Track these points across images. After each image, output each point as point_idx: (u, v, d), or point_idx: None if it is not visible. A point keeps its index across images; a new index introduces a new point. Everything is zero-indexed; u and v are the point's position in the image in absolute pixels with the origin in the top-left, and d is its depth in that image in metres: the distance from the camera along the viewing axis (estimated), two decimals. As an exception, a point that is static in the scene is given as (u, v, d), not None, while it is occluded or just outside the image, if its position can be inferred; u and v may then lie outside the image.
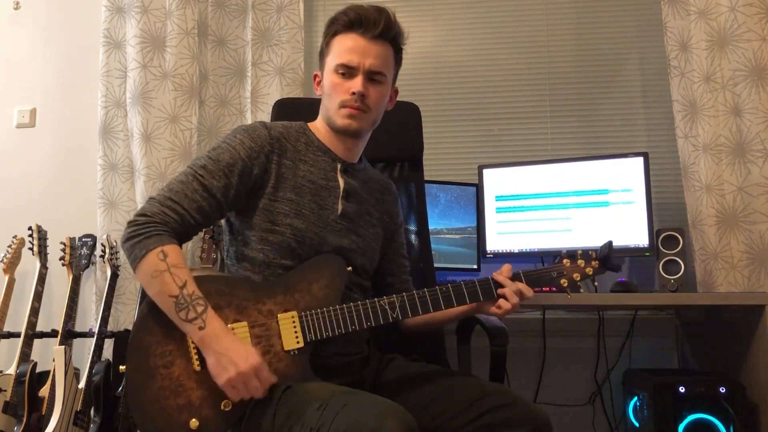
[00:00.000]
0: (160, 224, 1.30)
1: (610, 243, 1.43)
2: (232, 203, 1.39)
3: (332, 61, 1.44)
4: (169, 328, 1.27)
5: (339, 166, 1.48)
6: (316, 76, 1.53)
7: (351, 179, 1.49)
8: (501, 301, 1.39)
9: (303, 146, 1.47)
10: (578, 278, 1.44)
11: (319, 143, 1.49)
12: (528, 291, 1.39)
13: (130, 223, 1.31)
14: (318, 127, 1.52)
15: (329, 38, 1.46)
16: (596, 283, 1.49)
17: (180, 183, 1.35)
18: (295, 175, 1.43)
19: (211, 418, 1.24)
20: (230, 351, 1.23)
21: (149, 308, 1.29)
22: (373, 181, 1.58)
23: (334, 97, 1.44)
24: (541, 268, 1.44)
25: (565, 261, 1.45)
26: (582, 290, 1.49)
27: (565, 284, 1.44)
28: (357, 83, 1.41)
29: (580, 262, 1.45)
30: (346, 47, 1.42)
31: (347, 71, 1.42)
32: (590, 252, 1.47)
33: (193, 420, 1.23)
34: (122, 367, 1.26)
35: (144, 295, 1.32)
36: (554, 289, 1.47)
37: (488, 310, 1.42)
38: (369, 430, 1.06)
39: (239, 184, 1.38)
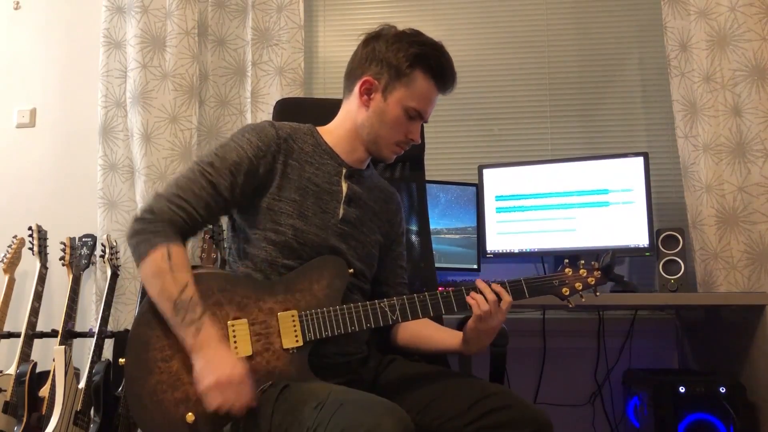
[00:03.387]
0: (167, 222, 1.30)
1: (613, 252, 1.41)
2: (238, 201, 1.40)
3: (408, 97, 1.42)
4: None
5: (344, 171, 1.48)
6: (369, 82, 1.43)
7: (355, 185, 1.49)
8: (474, 308, 1.36)
9: (310, 148, 1.47)
10: (580, 288, 1.42)
11: (326, 147, 1.48)
12: (506, 297, 1.37)
13: (137, 220, 1.31)
14: (332, 132, 1.50)
15: (413, 67, 1.41)
16: (598, 294, 1.48)
17: (187, 179, 1.35)
18: (300, 177, 1.43)
19: (207, 414, 1.24)
20: (216, 359, 1.23)
21: (151, 303, 1.30)
22: (378, 189, 1.57)
23: (393, 133, 1.45)
24: (542, 276, 1.42)
25: (567, 270, 1.43)
26: (583, 299, 1.47)
27: (567, 293, 1.42)
28: (417, 133, 1.47)
29: (583, 272, 1.43)
30: (426, 94, 1.44)
31: (416, 116, 1.45)
32: (593, 262, 1.45)
33: (190, 414, 1.23)
34: (122, 360, 1.27)
35: (144, 295, 1.33)
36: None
37: (470, 334, 1.40)
38: (365, 429, 1.05)
39: (245, 183, 1.38)
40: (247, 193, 1.40)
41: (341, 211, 1.45)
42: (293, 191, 1.41)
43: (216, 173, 1.35)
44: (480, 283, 1.38)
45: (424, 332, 1.53)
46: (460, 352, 1.46)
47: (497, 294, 1.36)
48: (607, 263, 1.42)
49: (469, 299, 1.36)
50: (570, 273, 1.43)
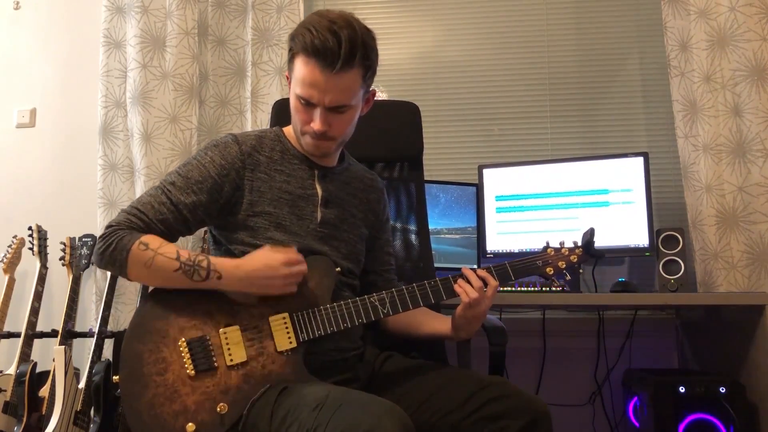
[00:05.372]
0: (126, 229, 1.32)
1: (592, 230, 1.46)
2: (201, 220, 1.39)
3: (295, 84, 1.37)
4: (161, 335, 1.28)
5: (316, 172, 1.47)
6: (287, 75, 1.44)
7: (330, 185, 1.48)
8: (462, 296, 1.37)
9: (278, 155, 1.45)
10: (563, 266, 1.46)
11: (294, 151, 1.47)
12: (491, 282, 1.38)
13: (99, 238, 1.33)
14: (293, 133, 1.49)
15: (291, 51, 1.37)
16: (581, 270, 1.50)
17: (148, 196, 1.36)
18: (271, 188, 1.42)
19: (207, 422, 1.24)
20: (255, 265, 1.29)
21: (139, 317, 1.30)
22: (356, 181, 1.56)
23: (297, 122, 1.41)
24: (526, 257, 1.45)
25: (549, 250, 1.47)
26: (568, 278, 1.50)
27: (551, 272, 1.45)
28: (317, 121, 1.36)
29: (564, 251, 1.47)
30: (305, 78, 1.33)
31: (305, 103, 1.36)
32: (573, 241, 1.50)
33: (190, 424, 1.23)
34: (116, 378, 1.27)
35: (144, 295, 1.33)
36: (540, 280, 1.47)
37: (459, 321, 1.42)
38: (364, 429, 1.05)
39: (209, 202, 1.38)
40: (214, 212, 1.39)
41: (319, 215, 1.44)
42: (266, 204, 1.40)
43: (177, 191, 1.36)
44: (466, 271, 1.39)
45: (415, 318, 1.54)
46: (450, 338, 1.48)
47: (483, 280, 1.38)
48: (587, 240, 1.46)
49: (456, 288, 1.38)
50: (552, 253, 1.47)
